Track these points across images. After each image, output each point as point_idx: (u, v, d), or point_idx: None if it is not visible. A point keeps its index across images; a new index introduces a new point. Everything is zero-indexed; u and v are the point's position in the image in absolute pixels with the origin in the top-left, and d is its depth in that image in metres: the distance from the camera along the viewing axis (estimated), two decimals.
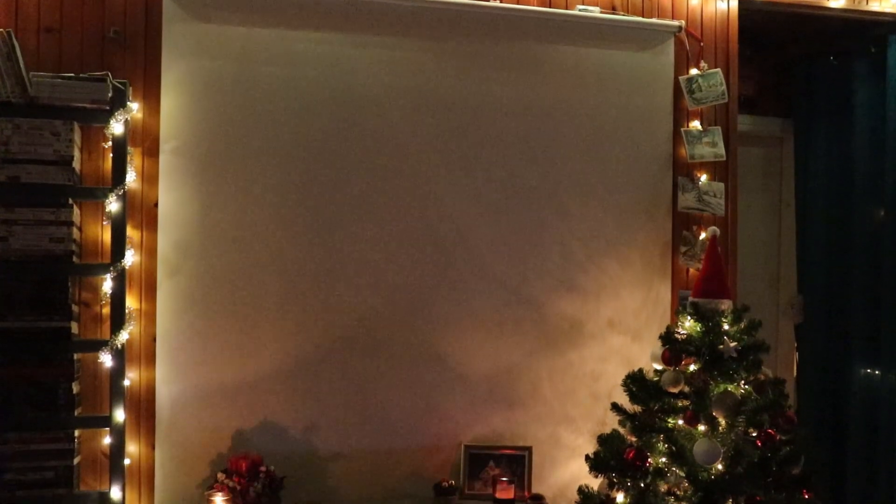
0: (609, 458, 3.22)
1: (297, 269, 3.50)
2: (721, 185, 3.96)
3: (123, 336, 3.05)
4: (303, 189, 3.51)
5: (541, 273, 3.79)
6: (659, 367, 3.33)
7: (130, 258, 3.12)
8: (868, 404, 4.15)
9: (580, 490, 3.29)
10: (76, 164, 3.12)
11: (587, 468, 3.26)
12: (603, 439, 3.33)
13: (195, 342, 3.39)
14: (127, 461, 3.09)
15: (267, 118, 3.48)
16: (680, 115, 3.98)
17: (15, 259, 2.98)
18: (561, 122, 3.81)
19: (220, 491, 3.09)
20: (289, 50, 3.50)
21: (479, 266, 3.72)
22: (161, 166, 3.35)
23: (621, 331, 3.91)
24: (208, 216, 3.41)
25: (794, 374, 4.65)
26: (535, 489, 3.65)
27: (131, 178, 3.14)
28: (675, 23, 3.91)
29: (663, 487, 3.16)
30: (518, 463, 3.65)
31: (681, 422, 3.19)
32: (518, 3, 3.74)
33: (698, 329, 3.25)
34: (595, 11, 3.79)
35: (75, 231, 3.12)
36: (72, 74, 3.06)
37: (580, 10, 3.80)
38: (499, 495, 3.50)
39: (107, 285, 3.08)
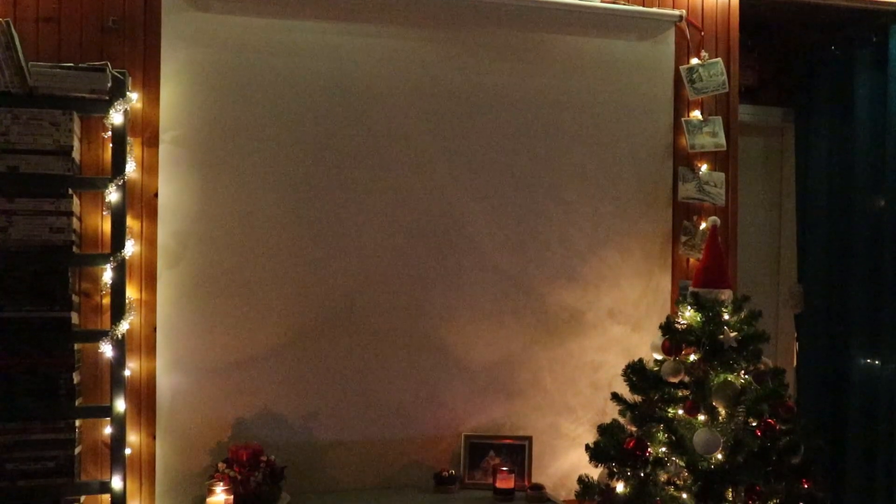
0: (609, 447, 3.23)
1: (297, 259, 3.50)
2: (721, 175, 3.96)
3: (124, 326, 3.05)
4: (303, 179, 3.51)
5: (541, 263, 3.79)
6: (659, 356, 3.33)
7: (130, 248, 3.11)
8: (868, 394, 4.15)
9: (580, 479, 3.30)
10: (76, 155, 3.12)
11: (587, 458, 3.27)
12: (603, 429, 3.33)
13: (196, 332, 3.39)
14: (128, 451, 3.09)
15: (267, 108, 3.47)
16: (680, 105, 3.98)
17: (15, 249, 2.97)
18: (561, 111, 3.81)
19: (220, 480, 3.09)
20: (288, 39, 3.49)
21: (479, 255, 3.72)
22: (161, 156, 3.35)
23: (621, 321, 3.91)
24: (208, 206, 3.41)
25: (794, 363, 4.66)
26: (535, 479, 3.66)
27: (131, 168, 3.13)
28: (676, 12, 3.90)
29: (663, 477, 3.17)
30: (518, 452, 3.65)
31: (681, 411, 3.19)
32: None
33: (698, 319, 3.26)
34: (596, 0, 3.78)
35: (75, 221, 3.11)
36: (71, 64, 3.05)
37: None
38: (499, 485, 3.51)
39: (107, 275, 3.08)
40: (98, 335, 3.05)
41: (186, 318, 3.38)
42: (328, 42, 3.53)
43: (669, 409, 3.22)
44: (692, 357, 3.25)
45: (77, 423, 3.09)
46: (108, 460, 3.09)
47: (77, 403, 3.08)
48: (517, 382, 3.78)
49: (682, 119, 3.96)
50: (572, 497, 3.46)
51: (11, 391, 2.97)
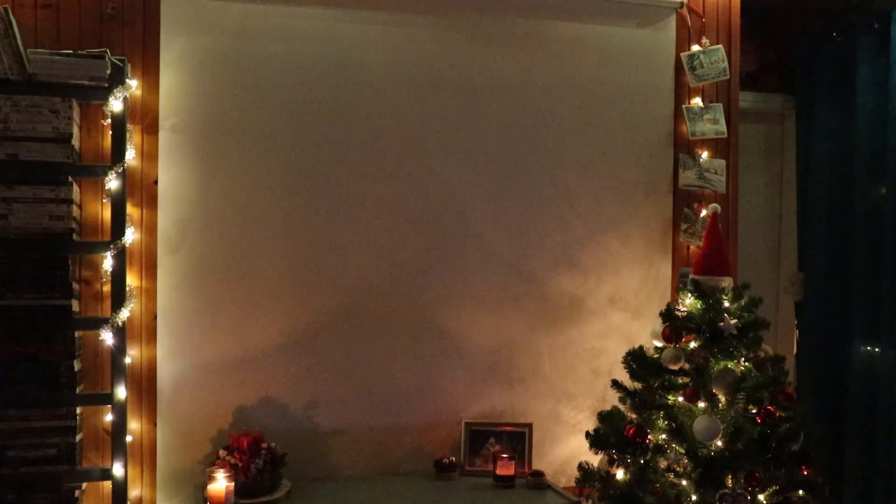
0: (609, 434, 3.23)
1: (297, 246, 3.50)
2: (722, 162, 3.95)
3: (124, 314, 3.05)
4: (302, 165, 3.50)
5: (541, 250, 3.79)
6: (659, 344, 3.33)
7: (130, 236, 3.11)
8: (868, 381, 4.15)
9: (580, 466, 3.31)
10: (75, 142, 3.11)
11: (587, 445, 3.27)
12: (603, 416, 3.34)
13: (196, 319, 3.39)
14: (129, 438, 3.10)
15: (266, 95, 3.46)
16: (681, 92, 3.97)
17: (15, 237, 2.97)
18: (562, 98, 3.80)
19: (221, 467, 3.10)
20: (288, 26, 3.47)
21: (479, 243, 3.72)
22: (160, 143, 3.34)
23: (622, 308, 3.92)
24: (208, 193, 3.40)
25: (794, 351, 4.66)
26: (536, 465, 3.67)
27: (131, 155, 3.13)
28: None
29: (663, 464, 3.18)
30: (518, 439, 3.66)
31: (681, 399, 3.20)
32: None
33: (699, 306, 3.26)
34: None
35: (75, 209, 3.11)
36: (70, 51, 3.03)
37: None
38: (499, 472, 3.52)
39: (107, 263, 3.07)
40: (98, 323, 3.05)
41: (187, 305, 3.38)
42: (328, 29, 3.52)
43: (669, 397, 3.23)
44: (692, 344, 3.25)
45: (78, 410, 3.09)
46: (109, 448, 3.09)
47: (78, 391, 3.09)
48: (517, 369, 3.78)
49: (683, 106, 3.95)
50: (572, 484, 3.47)
51: (12, 378, 2.97)
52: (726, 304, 3.26)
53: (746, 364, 3.21)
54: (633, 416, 3.28)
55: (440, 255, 3.67)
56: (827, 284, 4.41)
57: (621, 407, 3.36)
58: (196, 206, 3.39)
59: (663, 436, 3.16)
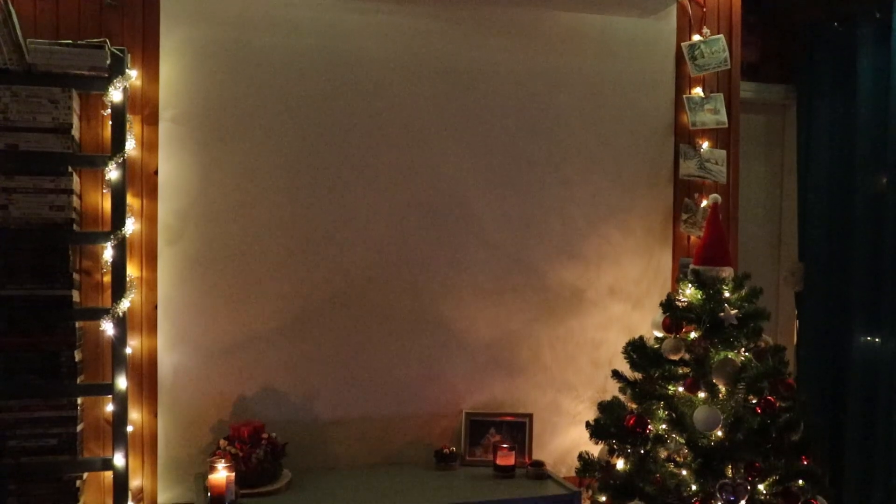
0: (609, 424, 3.24)
1: (297, 236, 3.50)
2: (723, 153, 3.95)
3: (125, 304, 3.05)
4: (302, 156, 3.50)
5: (541, 240, 3.79)
6: (660, 334, 3.33)
7: (131, 226, 3.11)
8: (868, 372, 4.15)
9: (580, 456, 3.32)
10: (75, 132, 3.10)
11: (588, 435, 3.28)
12: (603, 406, 3.34)
13: (196, 309, 3.39)
14: (129, 428, 3.10)
15: (266, 85, 3.45)
16: (682, 82, 3.96)
17: (15, 227, 2.96)
18: (561, 88, 3.79)
19: (222, 457, 3.10)
20: (288, 16, 3.46)
21: (480, 233, 3.71)
22: (160, 134, 3.33)
23: (622, 298, 3.92)
24: (208, 183, 3.40)
25: (795, 341, 4.66)
26: (536, 456, 3.67)
27: (131, 145, 3.12)
28: None
29: (663, 454, 3.18)
30: (519, 430, 3.66)
31: (681, 389, 3.20)
32: None
33: (699, 297, 3.26)
34: None
35: (75, 199, 3.11)
36: (69, 41, 3.02)
37: None
38: (499, 462, 3.52)
39: (107, 253, 3.07)
40: (99, 313, 3.05)
41: (187, 295, 3.38)
42: (328, 18, 3.51)
43: (670, 387, 3.23)
44: (693, 334, 3.25)
45: (79, 400, 3.10)
46: (110, 438, 3.10)
47: (79, 381, 3.09)
48: (518, 360, 3.79)
49: (684, 96, 3.94)
50: (572, 474, 3.48)
51: (13, 369, 2.98)
52: (727, 294, 3.26)
53: (747, 354, 3.21)
54: (634, 406, 3.28)
55: (440, 246, 3.67)
56: (827, 275, 4.41)
57: (621, 397, 3.37)
58: (196, 196, 3.38)
59: (663, 426, 3.17)
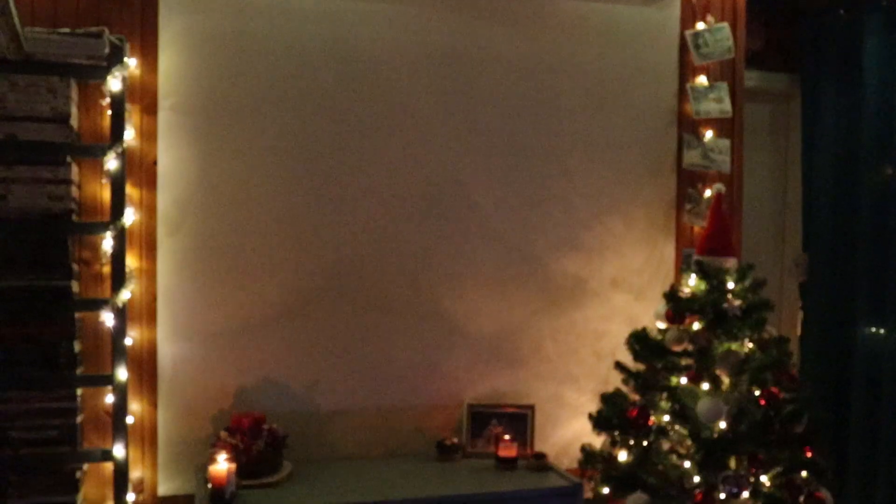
0: (612, 416, 3.23)
1: (297, 226, 3.48)
2: (727, 142, 3.92)
3: (124, 294, 3.04)
4: (303, 145, 3.48)
5: (544, 231, 3.77)
6: (663, 325, 3.32)
7: (130, 216, 3.10)
8: (872, 363, 4.14)
9: (583, 448, 3.31)
10: (74, 122, 3.09)
11: (590, 426, 3.28)
12: (606, 398, 3.34)
13: (196, 300, 3.38)
14: (129, 419, 3.10)
15: (266, 74, 3.43)
16: (686, 71, 3.94)
17: (14, 218, 2.95)
18: (565, 77, 3.77)
19: (222, 448, 3.09)
20: (288, 4, 3.44)
21: (482, 223, 3.70)
22: (160, 123, 3.32)
23: (625, 289, 3.90)
24: (208, 173, 3.38)
25: (799, 332, 4.64)
26: (538, 447, 3.67)
27: (130, 135, 3.11)
28: None
29: (666, 446, 3.18)
30: (521, 421, 3.65)
31: (684, 380, 3.19)
32: None
33: (702, 287, 3.24)
34: None
35: (74, 189, 3.09)
36: (68, 30, 3.01)
37: None
38: (501, 453, 3.51)
39: (107, 244, 3.06)
40: (99, 304, 3.05)
41: (187, 286, 3.36)
42: (328, 7, 3.48)
43: (673, 378, 3.22)
44: (696, 325, 3.24)
45: (79, 391, 3.09)
46: (110, 429, 3.09)
47: (78, 372, 3.08)
48: (520, 351, 3.77)
49: (688, 85, 3.92)
50: (575, 466, 3.47)
51: (12, 360, 2.97)
52: (730, 285, 3.24)
53: (750, 345, 3.20)
54: (636, 397, 3.28)
55: (442, 236, 3.65)
56: (832, 265, 4.39)
57: (624, 389, 3.36)
58: (196, 186, 3.37)
59: (666, 417, 3.16)
